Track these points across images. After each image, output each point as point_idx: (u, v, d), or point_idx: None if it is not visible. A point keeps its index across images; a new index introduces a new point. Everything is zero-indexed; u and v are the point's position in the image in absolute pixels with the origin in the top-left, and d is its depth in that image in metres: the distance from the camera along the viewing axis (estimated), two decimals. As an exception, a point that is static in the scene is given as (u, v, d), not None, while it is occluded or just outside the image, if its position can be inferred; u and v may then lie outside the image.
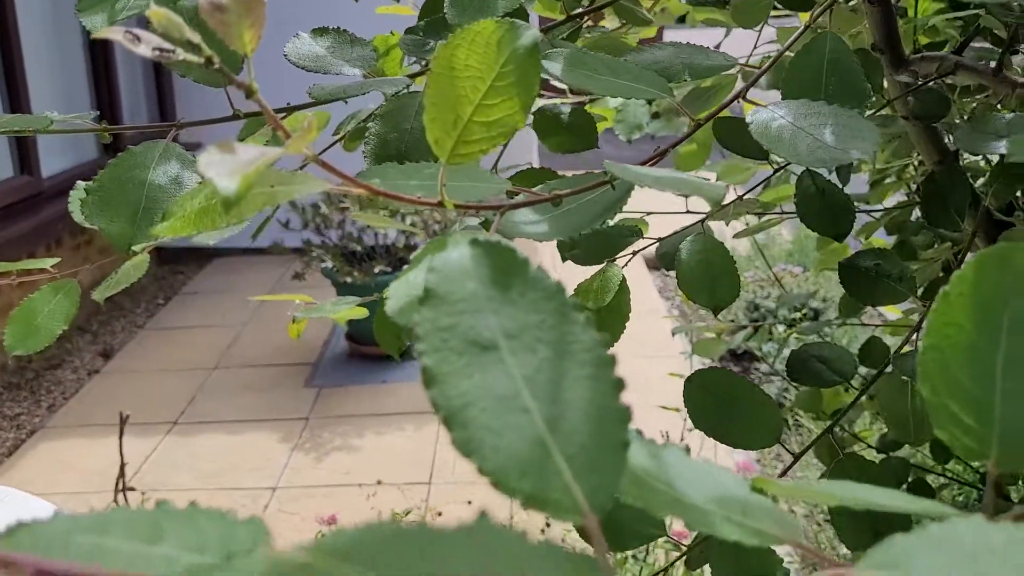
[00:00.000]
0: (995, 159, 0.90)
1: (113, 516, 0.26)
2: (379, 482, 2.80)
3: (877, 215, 1.31)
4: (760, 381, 3.58)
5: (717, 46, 1.56)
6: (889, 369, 0.81)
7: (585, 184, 0.49)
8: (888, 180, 1.48)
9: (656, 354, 3.62)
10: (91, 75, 4.36)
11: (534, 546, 0.18)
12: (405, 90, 0.68)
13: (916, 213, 1.27)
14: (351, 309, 1.18)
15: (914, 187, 1.36)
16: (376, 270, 3.75)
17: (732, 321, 3.89)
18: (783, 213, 0.98)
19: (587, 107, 1.41)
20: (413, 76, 0.72)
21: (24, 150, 3.81)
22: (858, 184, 1.58)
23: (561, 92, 1.30)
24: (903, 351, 0.75)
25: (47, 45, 4.01)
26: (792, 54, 0.65)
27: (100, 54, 4.30)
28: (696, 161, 1.44)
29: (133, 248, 0.85)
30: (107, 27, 0.32)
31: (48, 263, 0.91)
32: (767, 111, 0.54)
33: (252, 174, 0.29)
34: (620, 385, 0.27)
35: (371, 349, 3.83)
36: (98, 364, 4.08)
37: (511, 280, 0.28)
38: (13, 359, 3.97)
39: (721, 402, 0.78)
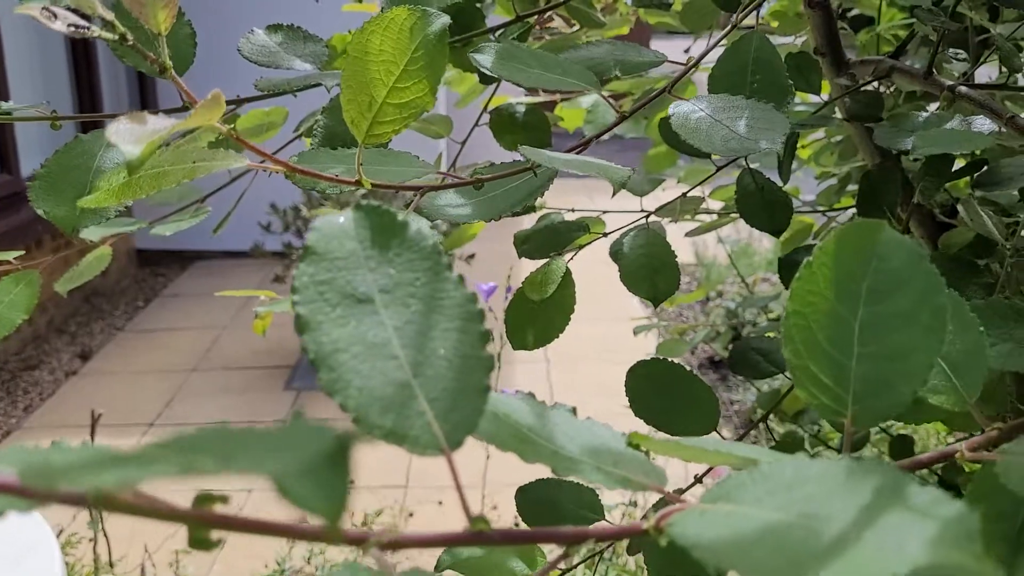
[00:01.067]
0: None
1: (8, 452, 0.28)
2: (351, 482, 2.81)
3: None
4: (736, 387, 3.61)
5: (686, 50, 1.59)
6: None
7: (507, 170, 0.51)
8: (850, 187, 1.51)
9: (631, 360, 3.64)
10: (72, 71, 4.36)
11: (332, 435, 0.20)
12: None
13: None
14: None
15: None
16: (356, 274, 3.76)
17: (711, 327, 3.92)
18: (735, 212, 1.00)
19: (558, 108, 1.44)
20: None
21: (4, 149, 3.82)
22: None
23: (533, 92, 1.32)
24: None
25: (28, 41, 4.01)
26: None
27: (81, 51, 4.30)
28: (665, 163, 1.47)
29: (91, 240, 0.86)
30: (27, 3, 0.34)
31: (11, 255, 0.93)
32: (688, 104, 0.56)
33: (156, 141, 0.32)
34: (485, 337, 0.29)
35: (350, 353, 3.84)
36: (76, 365, 4.07)
37: (389, 240, 0.30)
38: (-9, 360, 3.96)
39: (662, 391, 0.80)
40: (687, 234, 1.05)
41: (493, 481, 2.54)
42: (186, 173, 0.41)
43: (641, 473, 0.33)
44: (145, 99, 4.93)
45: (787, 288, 0.86)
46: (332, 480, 0.18)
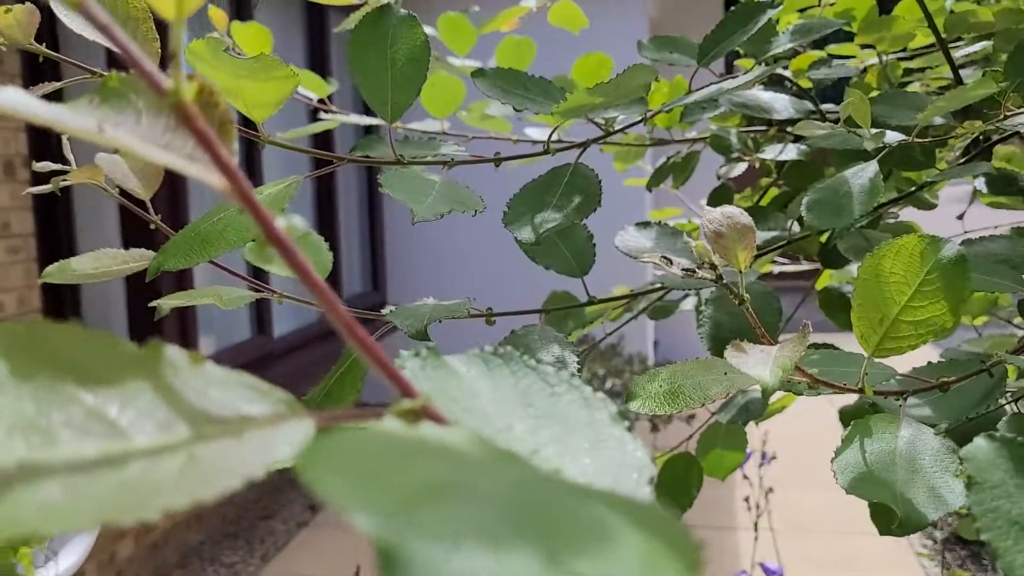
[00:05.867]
0: None
1: None
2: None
3: None
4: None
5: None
6: None
7: (966, 372, 0.53)
8: None
9: (871, 531, 3.42)
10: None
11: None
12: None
13: None
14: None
15: None
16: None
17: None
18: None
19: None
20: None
21: (261, 313, 4.20)
22: None
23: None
24: None
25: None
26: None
27: (328, 231, 4.71)
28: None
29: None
30: (646, 253, 0.40)
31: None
32: None
33: (787, 367, 0.36)
34: None
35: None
36: (306, 517, 4.28)
37: (1030, 470, 0.33)
38: (232, 509, 4.23)
39: None
40: None
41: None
42: (726, 384, 0.45)
43: None
44: (376, 275, 5.29)
45: None
46: None
